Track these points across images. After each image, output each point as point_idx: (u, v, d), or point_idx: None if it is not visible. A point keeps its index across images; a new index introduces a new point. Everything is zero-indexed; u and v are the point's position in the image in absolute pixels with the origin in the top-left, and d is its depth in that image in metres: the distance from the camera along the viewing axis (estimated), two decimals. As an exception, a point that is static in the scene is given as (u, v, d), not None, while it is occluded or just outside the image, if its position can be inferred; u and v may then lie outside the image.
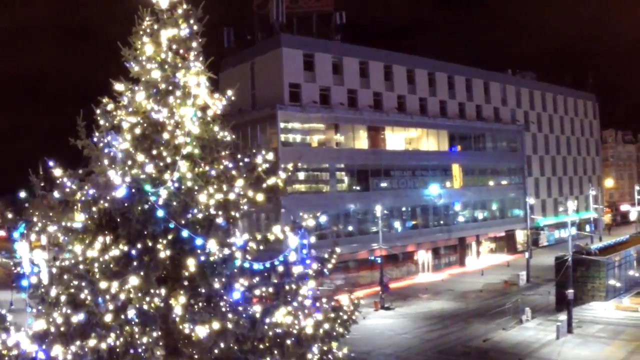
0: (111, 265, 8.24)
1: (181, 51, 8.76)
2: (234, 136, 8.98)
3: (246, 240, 8.89)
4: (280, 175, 9.11)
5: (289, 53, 55.77)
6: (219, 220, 8.59)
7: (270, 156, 9.11)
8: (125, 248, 8.28)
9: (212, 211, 8.56)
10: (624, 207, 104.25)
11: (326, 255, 9.92)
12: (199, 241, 8.00)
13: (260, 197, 8.95)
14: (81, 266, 8.08)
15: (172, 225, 8.07)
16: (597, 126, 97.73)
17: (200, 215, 8.54)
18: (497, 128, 75.56)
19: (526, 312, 42.28)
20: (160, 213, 7.96)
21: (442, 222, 66.33)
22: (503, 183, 76.11)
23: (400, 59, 65.38)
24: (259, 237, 9.07)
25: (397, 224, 61.72)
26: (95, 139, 9.07)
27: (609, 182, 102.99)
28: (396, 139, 63.46)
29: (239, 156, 9.17)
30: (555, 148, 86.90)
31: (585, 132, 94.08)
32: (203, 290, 8.26)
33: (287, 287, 8.92)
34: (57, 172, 8.81)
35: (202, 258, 8.08)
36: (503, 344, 37.09)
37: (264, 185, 9.01)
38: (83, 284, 7.69)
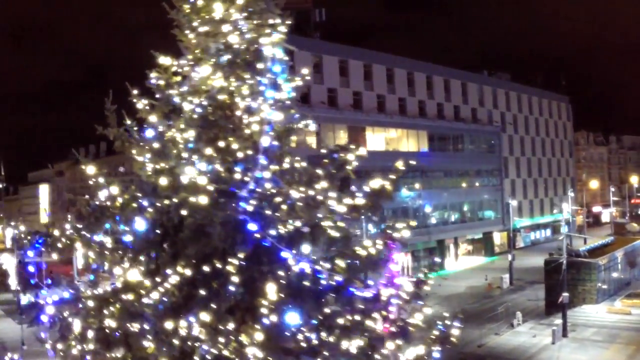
0: (174, 296, 6.20)
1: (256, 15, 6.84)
2: (317, 126, 7.19)
3: (332, 257, 6.93)
4: (390, 176, 7.15)
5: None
6: (334, 234, 6.60)
7: (363, 151, 7.16)
8: (188, 271, 6.29)
9: (300, 222, 6.60)
10: (595, 209, 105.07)
11: (421, 276, 8.07)
12: (304, 265, 6.00)
13: (361, 203, 7.09)
14: (124, 296, 6.10)
15: (266, 243, 6.05)
16: (571, 128, 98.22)
17: (288, 227, 6.55)
18: (475, 129, 74.94)
19: (517, 316, 41.36)
20: (253, 226, 5.98)
21: (420, 224, 65.12)
22: (481, 185, 75.47)
23: (380, 58, 64.07)
24: (347, 252, 7.12)
25: (376, 227, 60.17)
26: (126, 128, 7.08)
27: (593, 184, 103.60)
28: (376, 140, 62.13)
29: (323, 151, 7.23)
30: (530, 149, 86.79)
31: (559, 133, 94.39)
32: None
33: (375, 316, 7.05)
34: (90, 169, 6.81)
35: (304, 283, 6.11)
36: (499, 349, 36.08)
37: (367, 188, 7.07)
38: (145, 326, 5.68)
